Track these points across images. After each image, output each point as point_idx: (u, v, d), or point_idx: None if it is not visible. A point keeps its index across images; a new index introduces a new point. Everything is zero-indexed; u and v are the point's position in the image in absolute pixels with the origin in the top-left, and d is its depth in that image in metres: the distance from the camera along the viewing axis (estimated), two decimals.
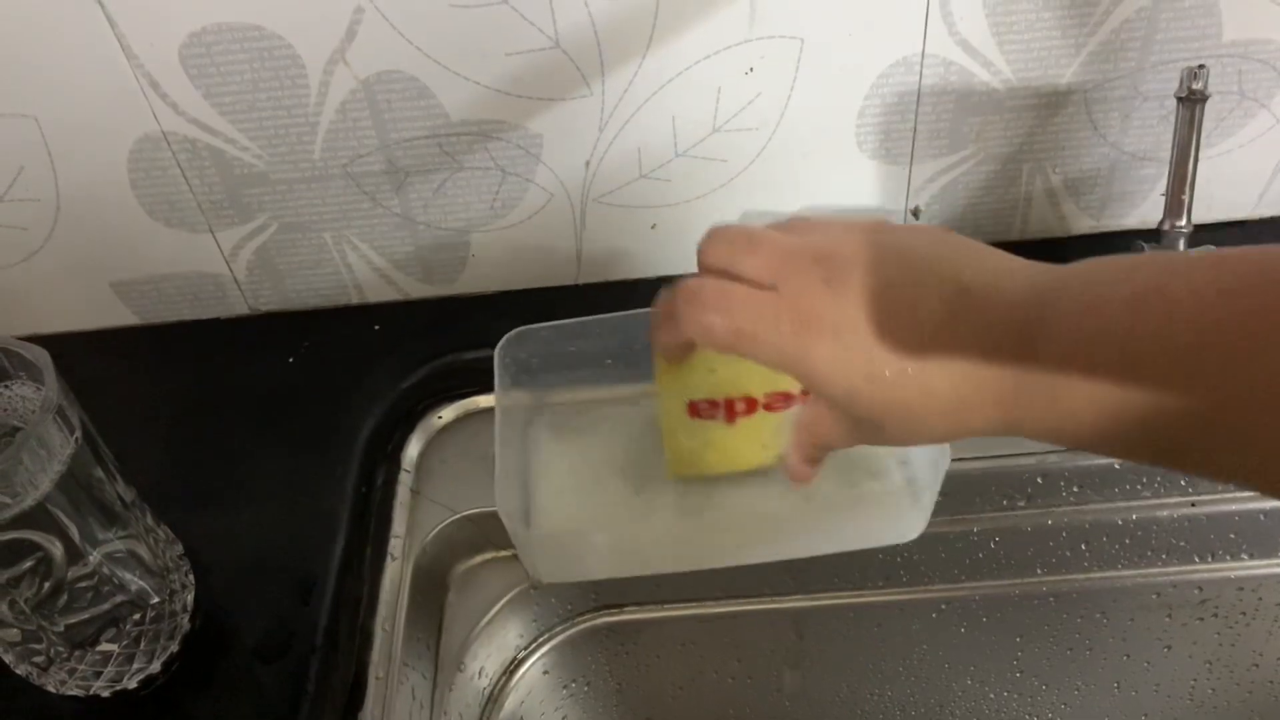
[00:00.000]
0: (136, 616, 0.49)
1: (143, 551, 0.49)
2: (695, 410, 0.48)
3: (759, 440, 0.48)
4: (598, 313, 0.61)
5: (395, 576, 0.57)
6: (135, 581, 0.49)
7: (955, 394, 0.35)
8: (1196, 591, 0.63)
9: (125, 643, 0.49)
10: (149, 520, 0.50)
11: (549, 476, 0.56)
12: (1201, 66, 0.54)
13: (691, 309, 0.39)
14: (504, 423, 0.52)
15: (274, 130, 0.59)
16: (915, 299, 0.36)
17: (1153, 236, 0.59)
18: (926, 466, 0.49)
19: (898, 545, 0.57)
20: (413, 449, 0.63)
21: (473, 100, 0.58)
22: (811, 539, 0.52)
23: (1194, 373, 0.30)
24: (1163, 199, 0.58)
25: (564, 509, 0.53)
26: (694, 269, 0.67)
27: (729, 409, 0.47)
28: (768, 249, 0.38)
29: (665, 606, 0.64)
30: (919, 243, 0.38)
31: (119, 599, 0.48)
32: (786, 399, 0.47)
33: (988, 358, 0.35)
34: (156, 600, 0.50)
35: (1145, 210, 0.66)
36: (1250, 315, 0.29)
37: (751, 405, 0.47)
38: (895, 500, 0.51)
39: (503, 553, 0.61)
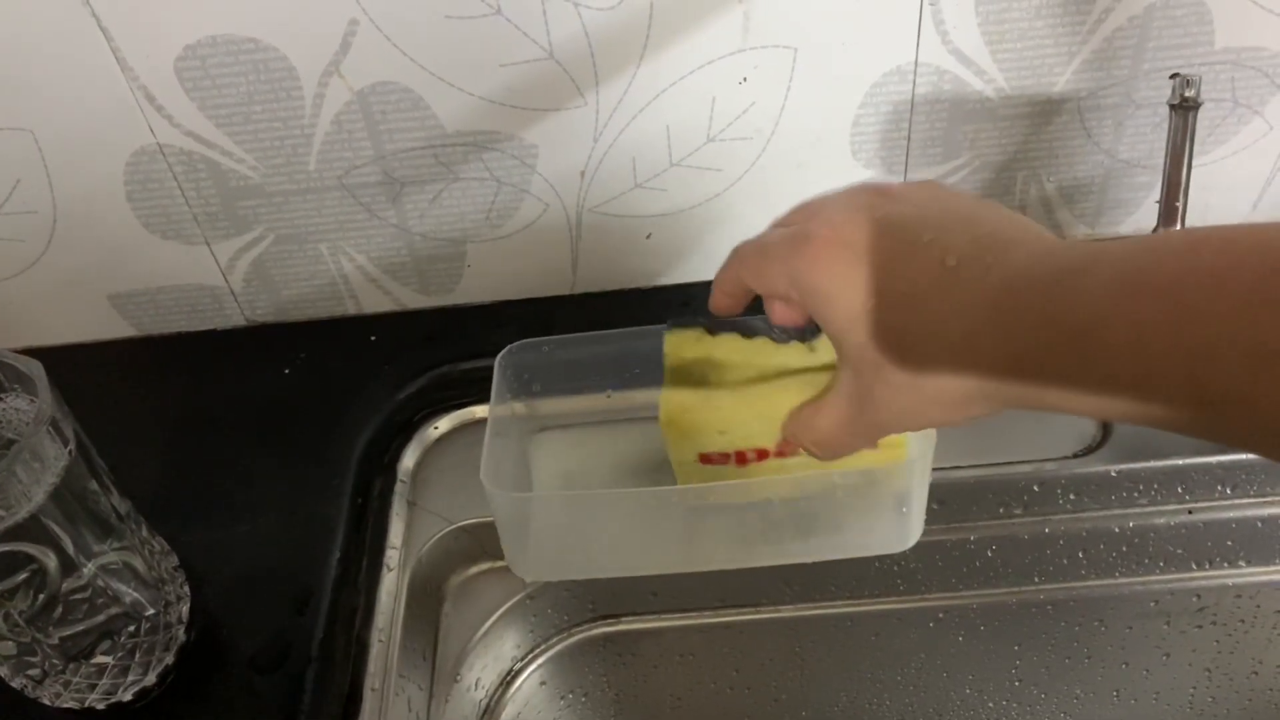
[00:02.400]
0: (131, 628, 0.49)
1: (137, 563, 0.49)
2: (707, 459, 0.48)
3: (768, 475, 0.48)
4: (594, 321, 0.63)
5: (391, 588, 0.57)
6: (130, 593, 0.49)
7: (972, 335, 0.33)
8: (1195, 599, 0.62)
9: (120, 655, 0.49)
10: (144, 532, 0.50)
11: (541, 478, 0.57)
12: (1193, 75, 0.54)
13: (727, 264, 0.40)
14: (496, 430, 0.52)
15: (269, 142, 0.59)
16: (943, 236, 0.34)
17: None
18: (912, 475, 0.49)
19: (895, 554, 0.57)
20: (409, 460, 0.62)
21: (467, 111, 0.58)
22: (800, 545, 0.52)
23: (1257, 318, 0.27)
24: (1157, 206, 0.58)
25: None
26: (687, 278, 0.67)
27: (740, 457, 0.47)
28: (813, 203, 0.38)
29: (663, 616, 0.64)
30: (957, 195, 0.37)
31: (113, 611, 0.48)
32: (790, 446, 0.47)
33: (1017, 295, 0.32)
34: (151, 612, 0.50)
35: (1140, 217, 0.66)
36: None
37: (763, 454, 0.47)
38: (880, 509, 0.51)
39: (499, 563, 0.60)
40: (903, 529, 0.51)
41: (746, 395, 0.45)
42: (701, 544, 0.52)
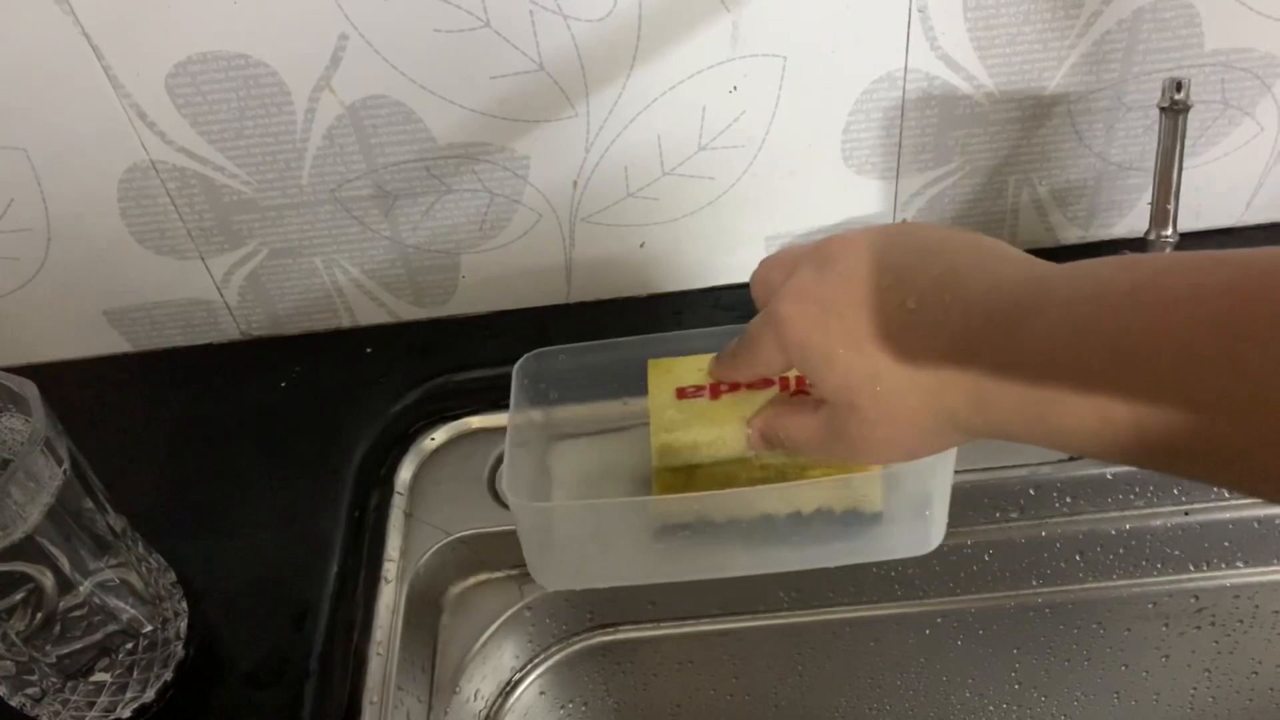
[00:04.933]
0: (129, 645, 0.49)
1: (134, 580, 0.49)
2: (682, 393, 0.51)
3: (744, 411, 0.50)
4: (590, 330, 0.64)
5: (389, 600, 0.57)
6: (127, 610, 0.49)
7: (936, 373, 0.34)
8: (1193, 600, 0.62)
9: (118, 672, 0.49)
10: (140, 549, 0.50)
11: (560, 485, 0.57)
12: (1183, 79, 0.54)
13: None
14: (516, 440, 0.53)
15: (262, 157, 0.59)
16: (903, 279, 0.36)
17: (1140, 246, 0.59)
18: (931, 477, 0.49)
19: (892, 560, 0.56)
20: (405, 472, 0.62)
21: (458, 123, 0.58)
22: (821, 550, 0.52)
23: (1188, 372, 0.28)
24: (1149, 207, 0.58)
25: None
26: (681, 285, 0.67)
27: (714, 389, 0.51)
28: (785, 258, 0.41)
29: (662, 624, 0.64)
30: (921, 231, 0.38)
31: (111, 628, 0.48)
32: (768, 383, 0.50)
33: (973, 335, 0.33)
34: (149, 629, 0.50)
35: (1133, 219, 0.66)
36: (1247, 314, 0.27)
37: (735, 386, 0.51)
38: (901, 512, 0.51)
39: (496, 574, 0.61)
40: (925, 531, 0.51)
41: None
42: (724, 550, 0.53)
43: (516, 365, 0.55)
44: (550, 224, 0.63)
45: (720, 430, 0.51)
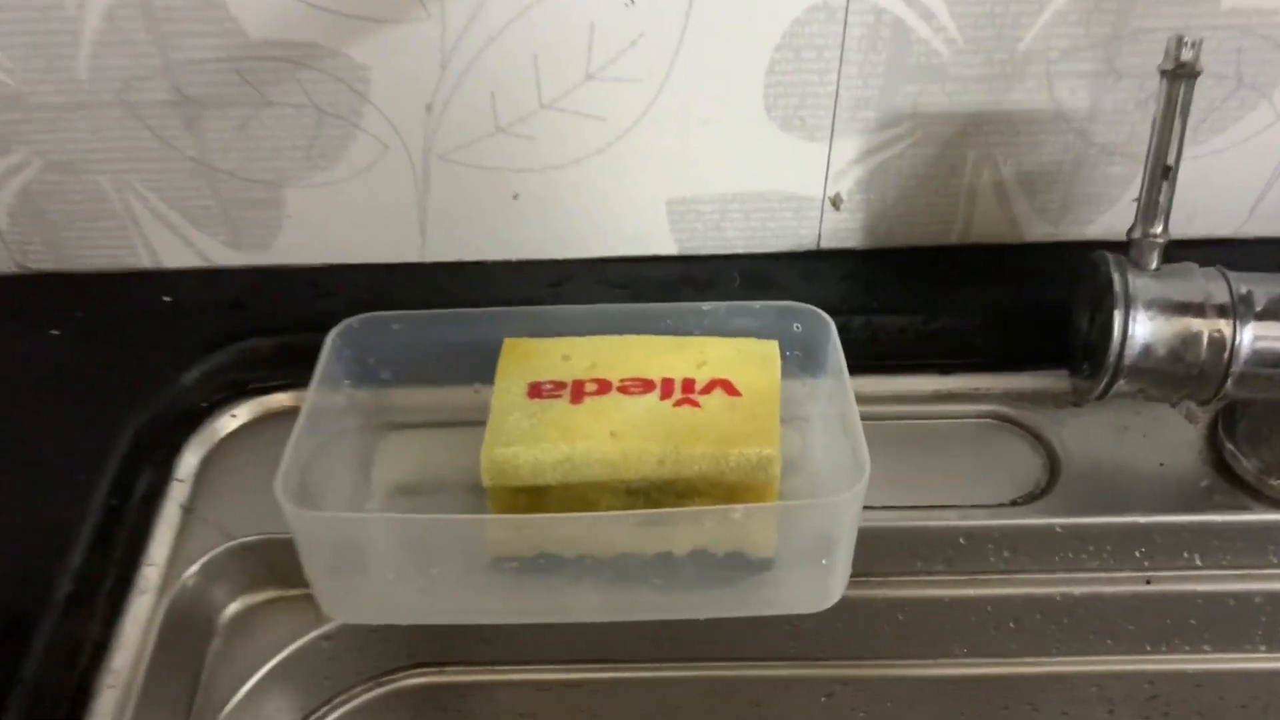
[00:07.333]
0: None
1: None
2: (536, 391, 0.45)
3: (608, 423, 0.44)
4: (447, 297, 0.57)
5: (142, 615, 0.47)
6: None
7: None
8: (1146, 686, 0.55)
9: None
10: None
11: (380, 489, 0.50)
12: (1192, 37, 0.43)
13: None
14: (312, 426, 0.46)
15: (27, 39, 0.48)
16: None
17: (1121, 248, 0.48)
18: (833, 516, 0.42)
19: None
20: (191, 455, 0.53)
21: (277, 16, 0.48)
22: (692, 597, 0.46)
23: None
24: (1135, 204, 0.47)
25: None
26: (562, 253, 0.57)
27: (576, 389, 0.45)
28: None
29: (497, 668, 0.55)
30: None
31: None
32: (645, 385, 0.45)
33: None
34: None
35: (1112, 218, 0.57)
36: None
37: (605, 387, 0.45)
38: (794, 558, 0.44)
39: (291, 592, 0.51)
40: (823, 582, 0.45)
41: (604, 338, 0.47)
42: (573, 589, 0.46)
43: (333, 331, 0.48)
44: (399, 158, 0.53)
45: (573, 448, 0.43)
